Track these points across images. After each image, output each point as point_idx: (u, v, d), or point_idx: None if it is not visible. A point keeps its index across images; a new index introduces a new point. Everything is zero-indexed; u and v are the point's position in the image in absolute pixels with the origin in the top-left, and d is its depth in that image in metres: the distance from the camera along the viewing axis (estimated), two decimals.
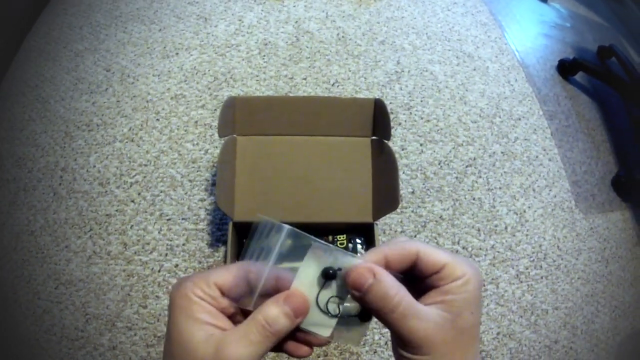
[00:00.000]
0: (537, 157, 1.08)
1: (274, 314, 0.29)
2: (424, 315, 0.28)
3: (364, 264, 0.30)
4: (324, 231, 0.83)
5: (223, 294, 0.30)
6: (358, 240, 0.83)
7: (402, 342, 0.29)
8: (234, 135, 0.80)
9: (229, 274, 0.30)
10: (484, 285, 0.90)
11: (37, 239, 0.92)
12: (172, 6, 1.25)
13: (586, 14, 1.59)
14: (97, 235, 0.92)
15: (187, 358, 0.28)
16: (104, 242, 0.91)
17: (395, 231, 0.92)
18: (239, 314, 0.32)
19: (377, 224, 0.78)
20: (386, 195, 0.75)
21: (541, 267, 0.95)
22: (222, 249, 0.88)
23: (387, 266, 0.31)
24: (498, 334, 0.87)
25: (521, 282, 0.92)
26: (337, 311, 0.31)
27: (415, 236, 0.91)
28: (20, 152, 1.03)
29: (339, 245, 0.82)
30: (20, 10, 1.24)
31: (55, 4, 1.31)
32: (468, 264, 0.30)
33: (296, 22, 1.23)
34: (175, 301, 0.29)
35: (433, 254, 0.30)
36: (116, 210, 0.94)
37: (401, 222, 0.93)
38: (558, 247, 0.98)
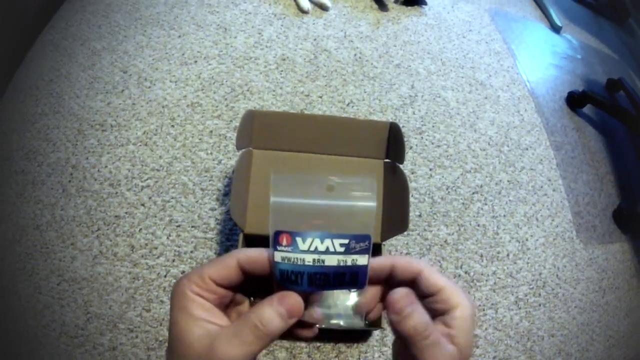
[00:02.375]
0: (541, 187, 1.10)
1: (267, 315, 0.29)
2: (444, 349, 0.31)
3: (403, 290, 0.32)
4: None
5: (219, 285, 0.31)
6: None
7: None
8: (251, 149, 0.82)
9: (223, 266, 0.31)
10: (484, 310, 0.92)
11: (42, 233, 0.92)
12: (193, 13, 1.27)
13: (597, 45, 1.61)
14: (105, 235, 0.92)
15: (184, 353, 0.29)
16: (110, 243, 0.91)
17: (401, 253, 0.93)
18: (239, 301, 0.34)
19: (384, 245, 0.80)
20: (395, 217, 0.77)
21: (540, 294, 0.96)
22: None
23: (392, 274, 0.33)
24: (494, 358, 0.88)
25: (520, 308, 0.94)
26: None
27: (419, 259, 0.93)
28: (30, 145, 1.04)
29: None
30: (39, 3, 1.25)
31: (75, 0, 1.32)
32: (463, 293, 0.33)
33: (315, 39, 1.25)
34: (173, 299, 0.30)
35: (433, 276, 0.32)
36: (125, 213, 0.94)
37: (407, 244, 0.94)
38: (557, 275, 0.99)
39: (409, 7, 1.39)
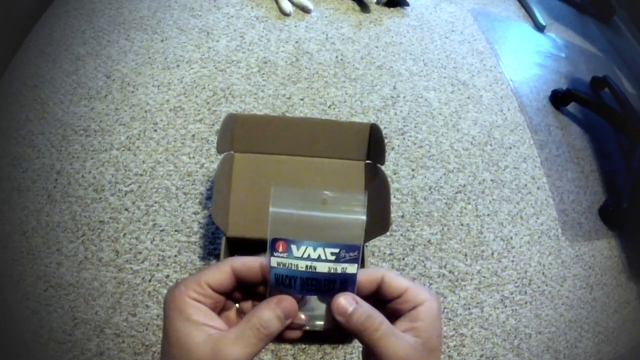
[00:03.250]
0: (525, 185, 1.10)
1: (267, 317, 0.31)
2: (401, 338, 0.32)
3: (345, 293, 0.33)
4: None
5: (214, 290, 0.32)
6: None
7: None
8: (232, 152, 0.82)
9: (219, 272, 0.32)
10: (469, 309, 0.92)
11: (28, 240, 0.91)
12: (176, 17, 1.27)
13: (582, 44, 1.62)
14: (90, 241, 0.92)
15: (186, 357, 0.30)
16: (96, 248, 0.91)
17: (384, 253, 0.93)
18: (229, 307, 0.35)
19: (367, 246, 0.80)
20: (377, 218, 0.77)
21: (526, 292, 0.97)
22: (214, 262, 0.89)
23: (359, 290, 0.34)
24: (481, 356, 0.88)
25: (505, 306, 0.94)
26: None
27: (403, 259, 0.93)
28: (15, 151, 1.03)
29: None
30: (23, 10, 1.25)
31: (59, 5, 1.32)
32: (427, 290, 0.35)
33: (296, 42, 1.25)
34: (170, 305, 0.31)
35: (396, 280, 0.34)
36: (110, 218, 0.94)
37: (390, 244, 0.95)
38: (543, 273, 1.00)
39: (391, 9, 1.40)
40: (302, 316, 0.34)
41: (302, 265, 0.32)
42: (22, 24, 1.27)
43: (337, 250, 0.32)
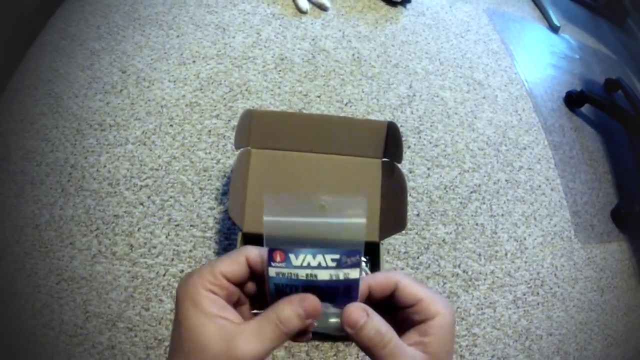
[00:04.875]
0: (539, 186, 1.10)
1: (287, 314, 0.30)
2: (409, 355, 0.31)
3: (357, 304, 0.32)
4: None
5: (229, 280, 0.31)
6: (363, 259, 0.85)
7: None
8: (249, 148, 0.82)
9: (234, 262, 0.31)
10: (482, 309, 0.92)
11: (41, 233, 0.92)
12: (191, 14, 1.27)
13: (595, 45, 1.61)
14: (104, 234, 0.92)
15: (198, 353, 0.28)
16: (109, 242, 0.91)
17: (399, 252, 0.93)
18: (243, 301, 0.34)
19: (382, 244, 0.80)
20: (393, 216, 0.77)
21: (538, 293, 0.96)
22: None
23: (371, 294, 0.33)
24: (492, 357, 0.88)
25: (518, 307, 0.94)
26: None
27: (417, 258, 0.93)
28: (29, 145, 1.04)
29: None
30: (36, 4, 1.25)
31: (73, 0, 1.32)
32: (443, 302, 0.33)
33: (313, 39, 1.25)
34: (183, 296, 0.30)
35: (411, 287, 0.33)
36: (124, 212, 0.94)
37: (405, 243, 0.95)
38: (555, 275, 1.00)
39: (403, 8, 1.40)
40: (315, 323, 0.32)
41: (302, 274, 0.30)
42: (36, 18, 1.28)
43: (337, 256, 0.30)
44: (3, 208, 0.95)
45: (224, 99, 1.10)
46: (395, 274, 0.34)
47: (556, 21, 1.55)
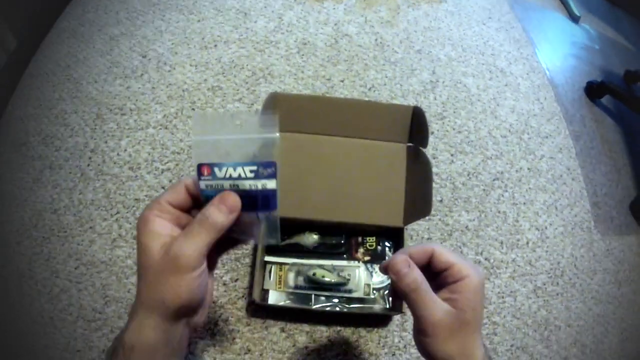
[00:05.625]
0: (561, 175, 1.09)
1: (211, 210, 0.35)
2: (438, 304, 0.39)
3: (403, 256, 0.41)
4: (354, 232, 0.85)
5: (174, 206, 0.37)
6: (387, 244, 0.85)
7: (417, 326, 0.40)
8: None
9: (175, 191, 0.38)
10: (503, 297, 0.91)
11: (60, 217, 0.92)
12: None
13: (614, 37, 1.60)
14: (124, 218, 0.92)
15: (147, 262, 0.35)
16: (130, 226, 0.91)
17: (422, 237, 0.93)
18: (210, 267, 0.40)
19: (406, 229, 0.80)
20: (418, 202, 0.77)
21: (558, 284, 0.96)
22: (251, 241, 0.89)
23: (414, 260, 0.41)
24: (512, 346, 0.88)
25: (538, 297, 0.93)
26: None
27: (441, 244, 0.93)
28: (48, 130, 1.04)
29: (368, 247, 0.84)
30: None
31: None
32: (472, 267, 0.40)
33: (335, 24, 1.24)
34: (139, 224, 0.36)
35: (445, 255, 0.41)
36: (145, 196, 0.95)
37: (428, 229, 0.94)
38: (575, 265, 0.99)
39: None
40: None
41: (226, 185, 0.35)
42: (53, 4, 1.27)
43: (255, 168, 0.35)
44: (21, 192, 0.95)
45: (247, 82, 1.10)
46: (432, 244, 0.42)
47: (576, 11, 1.54)
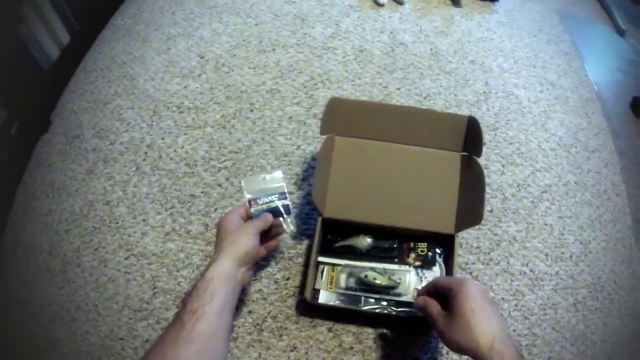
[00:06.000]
0: (606, 191, 1.09)
1: (256, 220, 0.73)
2: (444, 315, 0.60)
3: (423, 297, 0.67)
4: (406, 237, 0.86)
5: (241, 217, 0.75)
6: (437, 250, 0.86)
7: (438, 331, 0.61)
8: (333, 135, 0.85)
9: (243, 209, 0.76)
10: (544, 310, 0.91)
11: (112, 209, 0.94)
12: (269, 3, 1.30)
13: None
14: (179, 213, 0.94)
15: (229, 228, 0.70)
16: (184, 221, 0.93)
17: (471, 246, 0.95)
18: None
19: (457, 236, 0.82)
20: (470, 210, 0.79)
21: (597, 298, 0.96)
22: (305, 241, 0.91)
23: (431, 291, 0.67)
24: (549, 358, 0.87)
25: (577, 311, 0.93)
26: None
27: (488, 253, 0.94)
28: (102, 124, 1.07)
29: (419, 252, 0.86)
30: None
31: None
32: (464, 281, 0.60)
33: (391, 32, 1.26)
34: (225, 216, 0.73)
35: (442, 281, 0.66)
36: (201, 192, 0.97)
37: (477, 238, 0.96)
38: (615, 281, 0.99)
39: (481, 3, 1.40)
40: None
41: (264, 207, 0.76)
42: (107, 2, 1.31)
43: (276, 196, 0.77)
44: (73, 183, 0.98)
45: (305, 87, 1.13)
46: (436, 278, 0.69)
47: (622, 25, 1.53)
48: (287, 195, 0.77)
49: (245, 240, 0.67)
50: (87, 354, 0.79)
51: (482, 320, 0.54)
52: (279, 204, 0.76)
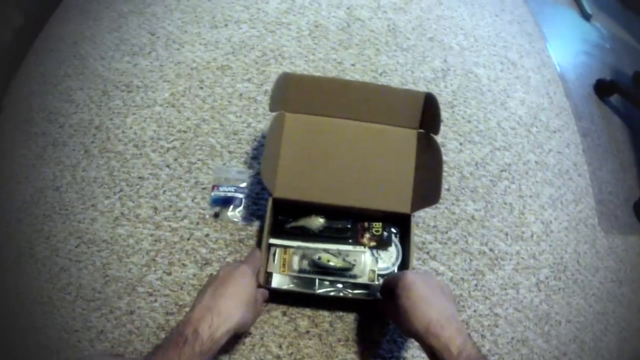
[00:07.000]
0: (567, 171, 1.08)
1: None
2: (393, 309, 0.64)
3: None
4: (361, 217, 0.83)
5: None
6: (393, 230, 0.84)
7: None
8: (284, 112, 0.80)
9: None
10: (505, 289, 0.90)
11: (62, 195, 0.91)
12: None
13: (625, 37, 1.59)
14: (127, 197, 0.91)
15: (236, 287, 0.63)
16: (133, 205, 0.90)
17: (428, 225, 0.92)
18: None
19: (413, 216, 0.79)
20: (427, 189, 0.76)
21: (560, 278, 0.95)
22: (256, 223, 0.88)
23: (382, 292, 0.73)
24: (512, 338, 0.87)
25: (540, 290, 0.93)
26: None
27: (446, 232, 0.92)
28: (52, 107, 1.03)
29: (374, 232, 0.83)
30: None
31: None
32: (401, 275, 0.64)
33: (348, 8, 1.23)
34: (237, 266, 0.66)
35: (387, 279, 0.71)
36: (150, 174, 0.93)
37: (435, 217, 0.94)
38: (578, 261, 0.98)
39: None
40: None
41: (222, 195, 0.90)
42: None
43: (234, 188, 0.91)
44: (23, 170, 0.94)
45: (257, 63, 1.09)
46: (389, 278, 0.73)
47: (588, 9, 1.53)
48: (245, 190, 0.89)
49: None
50: (46, 349, 0.77)
51: (419, 307, 0.59)
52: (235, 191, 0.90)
